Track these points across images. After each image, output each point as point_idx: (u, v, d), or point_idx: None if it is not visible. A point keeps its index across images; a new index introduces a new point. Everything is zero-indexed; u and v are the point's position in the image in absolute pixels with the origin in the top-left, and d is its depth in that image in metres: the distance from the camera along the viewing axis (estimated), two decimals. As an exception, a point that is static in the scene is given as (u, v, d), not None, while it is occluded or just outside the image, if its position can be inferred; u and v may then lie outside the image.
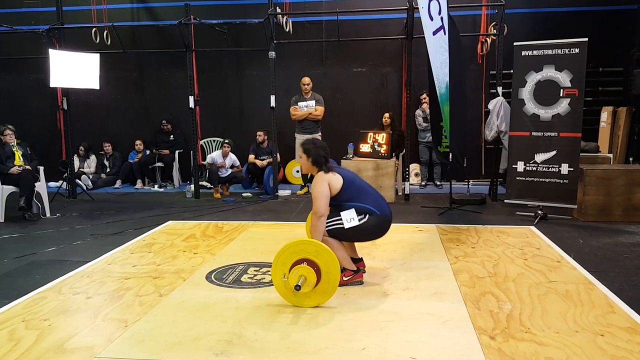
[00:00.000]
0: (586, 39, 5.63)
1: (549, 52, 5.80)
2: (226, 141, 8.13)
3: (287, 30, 7.66)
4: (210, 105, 8.90)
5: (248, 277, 3.94)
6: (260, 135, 8.24)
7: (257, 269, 4.16)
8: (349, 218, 3.54)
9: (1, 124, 6.66)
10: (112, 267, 4.29)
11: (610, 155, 7.11)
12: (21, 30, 8.30)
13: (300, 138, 7.77)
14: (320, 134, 7.78)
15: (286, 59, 8.62)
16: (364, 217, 3.57)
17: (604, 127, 7.93)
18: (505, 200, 6.36)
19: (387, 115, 7.86)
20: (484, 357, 2.62)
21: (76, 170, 8.55)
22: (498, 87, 6.91)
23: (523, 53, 5.95)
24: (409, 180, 7.36)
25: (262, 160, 8.19)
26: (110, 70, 8.76)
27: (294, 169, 8.81)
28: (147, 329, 3.03)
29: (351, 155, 7.26)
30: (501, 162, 7.07)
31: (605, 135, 7.84)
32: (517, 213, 6.09)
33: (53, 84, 7.24)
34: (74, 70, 7.25)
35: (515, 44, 6.07)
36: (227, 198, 7.64)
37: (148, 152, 9.01)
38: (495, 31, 7.23)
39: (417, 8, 5.39)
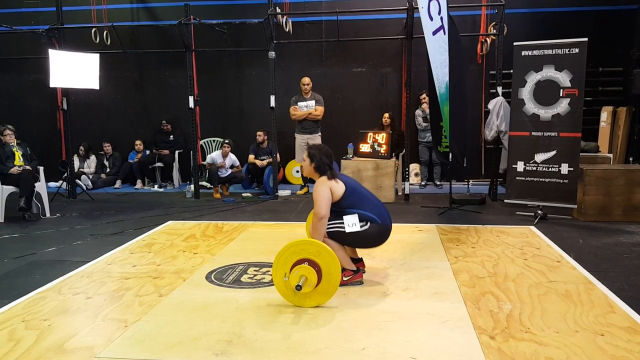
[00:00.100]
0: (586, 39, 5.63)
1: (548, 52, 5.80)
2: (226, 141, 8.13)
3: (287, 30, 7.66)
4: (210, 106, 8.90)
5: (248, 277, 3.94)
6: (260, 135, 8.24)
7: (257, 269, 4.16)
8: (351, 223, 3.56)
9: (1, 124, 6.66)
10: (112, 267, 4.29)
11: (610, 155, 7.11)
12: (21, 30, 8.30)
13: (300, 138, 7.78)
14: (320, 134, 7.78)
15: (286, 59, 8.62)
16: (366, 224, 3.59)
17: (604, 127, 7.93)
18: (505, 200, 6.36)
19: (387, 115, 7.86)
20: (484, 357, 2.62)
21: (76, 170, 8.55)
22: (498, 87, 6.92)
23: (523, 53, 5.95)
24: (408, 180, 7.36)
25: (262, 160, 8.19)
26: (110, 71, 8.76)
27: (294, 169, 8.81)
28: (147, 329, 3.03)
29: (351, 155, 7.26)
30: (501, 162, 7.07)
31: (605, 135, 7.85)
32: (517, 213, 6.10)
33: (53, 84, 7.24)
34: (73, 70, 7.25)
35: (515, 44, 6.07)
36: (227, 198, 7.64)
37: (148, 152, 9.01)
38: (495, 31, 7.23)
39: (417, 8, 5.40)
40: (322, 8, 8.60)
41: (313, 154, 3.66)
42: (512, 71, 6.15)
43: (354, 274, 3.71)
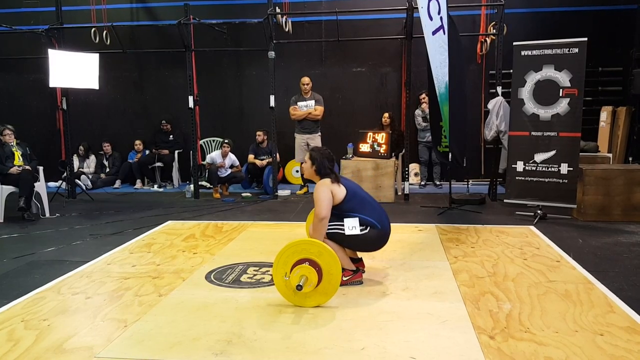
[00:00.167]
0: (585, 39, 5.63)
1: (548, 51, 5.80)
2: (226, 141, 8.13)
3: (287, 30, 7.66)
4: (210, 105, 8.90)
5: (247, 277, 3.94)
6: (260, 135, 8.24)
7: (257, 268, 4.16)
8: (351, 226, 3.56)
9: (0, 123, 6.65)
10: (112, 267, 4.29)
11: (610, 155, 7.11)
12: (20, 30, 8.30)
13: (299, 138, 7.79)
14: (319, 134, 7.78)
15: (286, 58, 8.62)
16: (366, 228, 3.59)
17: (604, 127, 7.93)
18: (505, 200, 6.36)
19: (386, 115, 7.86)
20: (484, 357, 2.62)
21: (75, 170, 8.55)
22: (497, 87, 6.92)
23: (522, 53, 5.95)
24: (408, 180, 7.36)
25: (262, 160, 8.19)
26: (110, 70, 8.76)
27: (294, 169, 8.81)
28: (147, 329, 3.02)
29: (351, 155, 7.26)
30: (501, 161, 7.07)
31: (605, 135, 7.85)
32: (517, 213, 6.10)
33: (52, 84, 7.23)
34: (73, 70, 7.25)
35: (514, 43, 6.07)
36: (226, 198, 7.64)
37: (147, 152, 9.01)
38: (494, 31, 7.23)
39: (417, 8, 5.40)
40: (322, 8, 8.60)
41: (314, 157, 3.66)
42: (511, 71, 6.15)
43: (354, 273, 3.72)
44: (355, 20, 8.51)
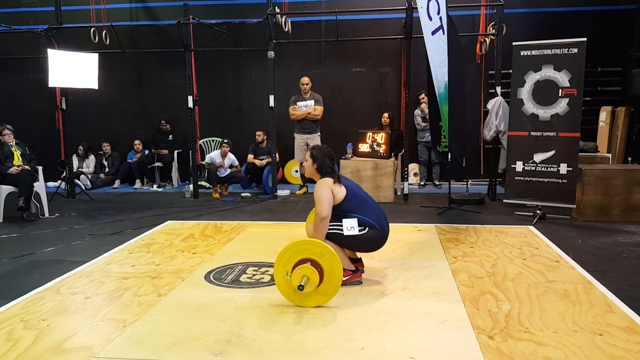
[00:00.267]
0: (585, 39, 5.64)
1: (547, 52, 5.80)
2: (225, 141, 8.13)
3: (286, 30, 7.66)
4: (209, 105, 8.89)
5: (247, 277, 3.94)
6: (260, 135, 8.24)
7: (256, 268, 4.15)
8: (350, 227, 3.56)
9: (0, 123, 6.65)
10: (111, 267, 4.29)
11: (609, 155, 7.11)
12: (20, 30, 8.29)
13: (299, 138, 7.79)
14: (319, 134, 7.79)
15: (285, 58, 8.62)
16: (364, 229, 3.59)
17: (603, 127, 7.93)
18: (504, 200, 6.36)
19: (386, 115, 7.86)
20: (483, 357, 2.62)
21: (75, 170, 8.54)
22: (497, 87, 6.92)
23: (522, 53, 5.96)
24: (407, 180, 7.36)
25: (261, 160, 8.19)
26: (109, 70, 8.76)
27: (293, 169, 8.81)
28: (146, 329, 3.02)
29: (350, 155, 7.27)
30: (500, 161, 7.07)
31: (604, 135, 7.85)
32: (516, 213, 6.10)
33: (52, 83, 7.23)
34: (72, 70, 7.24)
35: (514, 43, 6.07)
36: (226, 198, 7.64)
37: (147, 152, 9.00)
38: (494, 31, 7.23)
39: (416, 8, 5.40)
40: (321, 8, 8.60)
41: (315, 155, 3.66)
42: (511, 71, 6.15)
43: (353, 273, 3.72)
44: (354, 20, 8.52)
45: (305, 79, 7.69)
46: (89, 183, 8.60)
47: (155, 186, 8.75)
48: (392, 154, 7.24)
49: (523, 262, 4.20)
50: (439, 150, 6.84)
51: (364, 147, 7.27)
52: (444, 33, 5.16)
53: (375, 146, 7.13)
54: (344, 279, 3.64)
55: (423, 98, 7.94)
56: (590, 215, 5.75)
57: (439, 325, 3.02)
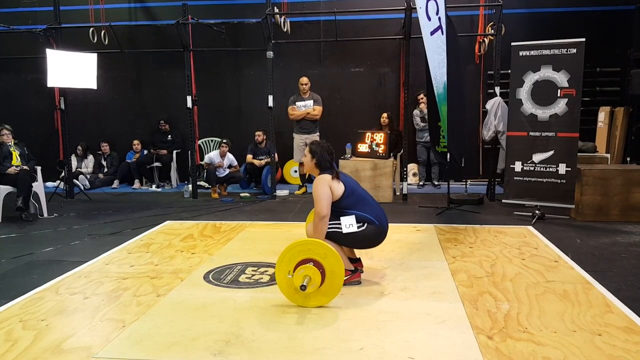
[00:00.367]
0: (584, 39, 5.64)
1: (546, 52, 5.81)
2: (224, 141, 8.12)
3: (285, 30, 7.66)
4: (208, 105, 8.89)
5: (246, 277, 3.94)
6: (260, 135, 8.23)
7: (255, 269, 4.15)
8: (348, 224, 3.56)
9: (-2, 124, 6.65)
10: (110, 267, 4.28)
11: (608, 155, 7.12)
12: (18, 30, 8.28)
13: (298, 138, 7.79)
14: (318, 134, 7.78)
15: (284, 58, 8.62)
16: (363, 225, 3.59)
17: (602, 127, 7.94)
18: (503, 200, 6.36)
19: (385, 115, 7.86)
20: (482, 357, 2.62)
21: (74, 170, 8.53)
22: (496, 87, 6.93)
23: (521, 53, 5.96)
24: (407, 180, 7.36)
25: (260, 160, 8.19)
26: (108, 70, 8.75)
27: (292, 169, 8.81)
28: (145, 329, 3.02)
29: (349, 155, 7.27)
30: (499, 162, 7.08)
31: (603, 136, 7.86)
32: (515, 213, 6.10)
33: (50, 83, 7.22)
34: (71, 70, 7.23)
35: (512, 44, 6.08)
36: (224, 198, 7.63)
37: (146, 152, 9.00)
38: (492, 31, 7.24)
39: (415, 8, 5.40)
40: (320, 8, 8.60)
41: (315, 150, 3.65)
42: (509, 71, 6.16)
43: (352, 273, 3.71)
44: (353, 20, 8.52)
45: (304, 79, 7.69)
46: (87, 183, 8.59)
47: (154, 186, 8.74)
48: (391, 154, 7.24)
49: (522, 262, 4.21)
50: (438, 151, 6.85)
51: (363, 147, 7.27)
52: (442, 33, 5.16)
53: (374, 146, 7.14)
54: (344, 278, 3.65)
55: (422, 98, 7.95)
56: (589, 216, 5.76)
57: (438, 325, 3.02)
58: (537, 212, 5.83)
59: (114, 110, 9.38)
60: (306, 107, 7.65)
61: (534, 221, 5.70)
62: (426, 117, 7.42)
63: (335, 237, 3.58)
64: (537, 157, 5.94)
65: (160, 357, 2.69)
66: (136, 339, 2.90)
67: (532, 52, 5.89)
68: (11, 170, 6.27)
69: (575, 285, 3.64)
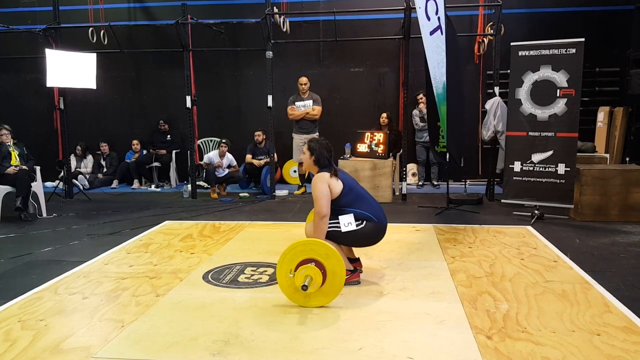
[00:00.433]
0: (583, 39, 5.65)
1: (545, 52, 5.81)
2: (223, 141, 8.12)
3: (285, 30, 7.66)
4: (208, 105, 8.89)
5: (245, 277, 3.94)
6: (259, 135, 8.23)
7: (254, 269, 4.15)
8: (347, 222, 3.55)
9: (-2, 123, 6.65)
10: (109, 267, 4.28)
11: (607, 156, 7.12)
12: (18, 29, 8.28)
13: (297, 138, 7.79)
14: (317, 134, 7.77)
15: (283, 58, 8.62)
16: (362, 223, 3.59)
17: (601, 127, 7.94)
18: (502, 200, 6.37)
19: (384, 115, 7.86)
20: (481, 357, 2.62)
21: (73, 170, 8.53)
22: (495, 87, 6.93)
23: (520, 53, 5.97)
24: (406, 180, 7.36)
25: (260, 160, 8.19)
26: (107, 70, 8.74)
27: (291, 169, 8.81)
28: (144, 329, 3.02)
29: (348, 155, 7.27)
30: (498, 162, 7.08)
31: (602, 136, 7.86)
32: (514, 213, 6.10)
33: (49, 83, 7.22)
34: (70, 70, 7.23)
35: (512, 44, 6.08)
36: (224, 198, 7.63)
37: (145, 152, 9.00)
38: (492, 31, 7.24)
39: (414, 8, 5.40)
40: (320, 8, 8.60)
41: (313, 147, 3.65)
42: (509, 71, 6.16)
43: (351, 273, 3.71)
44: (353, 20, 8.52)
45: (304, 79, 7.69)
46: (86, 183, 8.59)
47: (153, 186, 8.74)
48: (391, 154, 7.24)
49: (521, 262, 4.21)
50: (437, 151, 6.85)
51: (362, 147, 7.27)
52: (442, 33, 5.16)
53: (373, 146, 7.14)
54: (343, 279, 3.65)
55: (421, 98, 7.94)
56: (588, 216, 5.76)
57: (437, 325, 3.02)
58: (536, 212, 5.83)
59: (113, 110, 9.38)
60: (305, 107, 7.65)
61: (533, 221, 5.70)
62: (425, 117, 7.42)
63: (335, 236, 3.58)
64: (537, 157, 5.94)
65: (159, 357, 2.69)
66: (135, 339, 2.89)
67: (532, 52, 5.89)
68: (10, 170, 6.27)
69: (574, 285, 3.64)
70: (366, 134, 7.26)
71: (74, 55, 7.34)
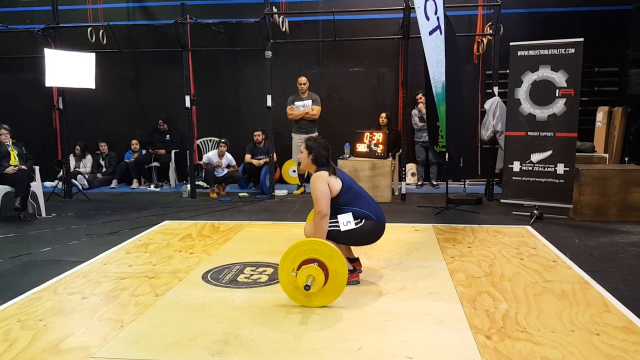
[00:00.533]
0: (582, 39, 5.65)
1: (544, 52, 5.81)
2: (222, 141, 8.12)
3: (284, 29, 7.66)
4: (207, 105, 8.88)
5: (244, 277, 3.94)
6: (258, 135, 8.22)
7: (254, 268, 4.15)
8: (346, 221, 3.55)
9: (-3, 123, 6.64)
10: (108, 267, 4.28)
11: (606, 155, 7.13)
12: (16, 29, 8.27)
13: (296, 138, 7.78)
14: (316, 133, 7.77)
15: (283, 58, 8.61)
16: (361, 221, 3.58)
17: (600, 127, 7.95)
18: (502, 200, 6.37)
19: (383, 115, 7.86)
20: (480, 357, 2.62)
21: (72, 170, 8.52)
22: (494, 87, 6.93)
23: (519, 53, 5.97)
24: (405, 180, 7.36)
25: (259, 160, 8.19)
26: (106, 70, 8.73)
27: (291, 169, 8.81)
28: (143, 329, 3.02)
29: (348, 155, 7.27)
30: (497, 161, 7.08)
31: (601, 135, 7.87)
32: (513, 213, 6.11)
33: (48, 83, 7.21)
34: (69, 69, 7.22)
35: (511, 44, 6.08)
36: (223, 198, 7.63)
37: (144, 151, 8.99)
38: (491, 31, 7.24)
39: (414, 8, 5.40)
40: (319, 8, 8.60)
41: (311, 146, 3.64)
42: (508, 71, 6.16)
43: (351, 273, 3.71)
44: (352, 20, 8.52)
45: (303, 79, 7.69)
46: (86, 183, 8.58)
47: (152, 186, 8.74)
48: (390, 154, 7.24)
49: (520, 262, 4.21)
50: (436, 150, 6.85)
51: (361, 147, 7.27)
52: (441, 33, 5.16)
53: (372, 146, 7.14)
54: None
55: (420, 98, 7.94)
56: (587, 215, 5.77)
57: (437, 325, 3.02)
58: (535, 212, 5.83)
59: (113, 110, 9.37)
60: (305, 107, 7.65)
61: (532, 221, 5.70)
62: (425, 117, 7.42)
63: (334, 235, 3.57)
64: (536, 157, 5.95)
65: (158, 357, 2.69)
66: (134, 339, 2.89)
67: (531, 52, 5.90)
68: (9, 170, 6.26)
69: (573, 285, 3.65)
70: (365, 134, 7.26)
71: (73, 55, 7.33)
